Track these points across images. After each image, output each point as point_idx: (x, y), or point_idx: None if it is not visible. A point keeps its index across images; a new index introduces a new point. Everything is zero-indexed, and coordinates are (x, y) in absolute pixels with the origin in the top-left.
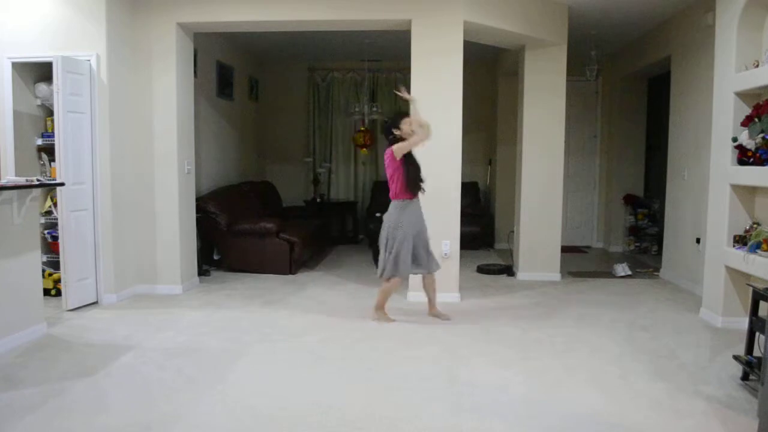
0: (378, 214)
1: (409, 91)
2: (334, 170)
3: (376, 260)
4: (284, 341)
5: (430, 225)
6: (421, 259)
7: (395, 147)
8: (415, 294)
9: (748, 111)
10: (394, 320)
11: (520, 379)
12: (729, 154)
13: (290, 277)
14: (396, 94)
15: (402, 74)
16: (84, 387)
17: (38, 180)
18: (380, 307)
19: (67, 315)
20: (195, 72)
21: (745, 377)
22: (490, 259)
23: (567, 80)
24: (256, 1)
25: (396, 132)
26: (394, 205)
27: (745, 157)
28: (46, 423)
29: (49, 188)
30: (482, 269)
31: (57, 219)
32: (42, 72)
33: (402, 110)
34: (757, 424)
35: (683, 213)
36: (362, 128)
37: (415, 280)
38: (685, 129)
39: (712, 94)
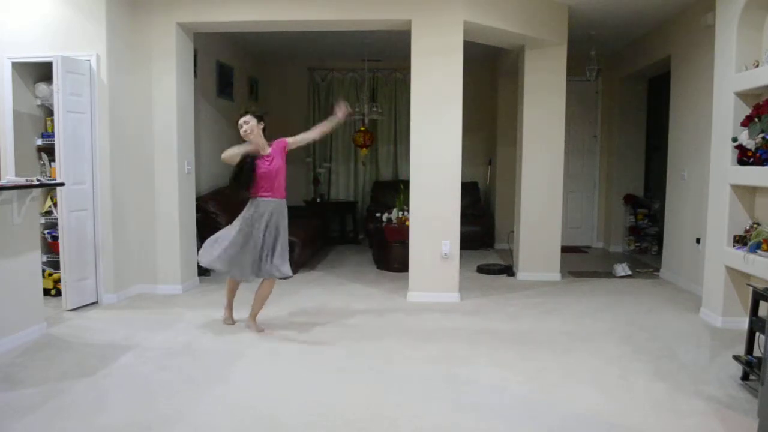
0: (378, 214)
1: (409, 91)
2: (334, 170)
3: (376, 260)
4: (284, 341)
5: (430, 225)
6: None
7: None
8: (416, 294)
9: (748, 111)
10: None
11: (520, 379)
12: (729, 154)
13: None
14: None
15: (402, 74)
16: (84, 387)
17: (38, 180)
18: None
19: (67, 315)
20: (195, 72)
21: (745, 377)
22: (490, 259)
23: (567, 80)
24: (256, 1)
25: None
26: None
27: (745, 157)
28: (46, 423)
29: (49, 188)
30: (482, 269)
31: (57, 219)
32: (42, 72)
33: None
34: (757, 424)
35: (683, 213)
36: (362, 128)
37: (416, 279)
38: (685, 129)
39: (712, 94)
